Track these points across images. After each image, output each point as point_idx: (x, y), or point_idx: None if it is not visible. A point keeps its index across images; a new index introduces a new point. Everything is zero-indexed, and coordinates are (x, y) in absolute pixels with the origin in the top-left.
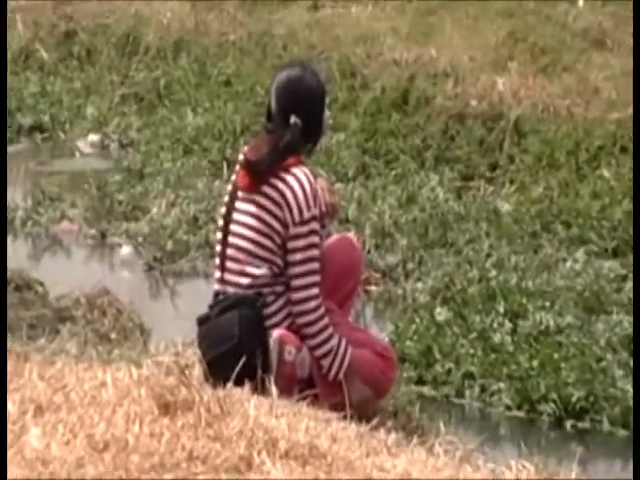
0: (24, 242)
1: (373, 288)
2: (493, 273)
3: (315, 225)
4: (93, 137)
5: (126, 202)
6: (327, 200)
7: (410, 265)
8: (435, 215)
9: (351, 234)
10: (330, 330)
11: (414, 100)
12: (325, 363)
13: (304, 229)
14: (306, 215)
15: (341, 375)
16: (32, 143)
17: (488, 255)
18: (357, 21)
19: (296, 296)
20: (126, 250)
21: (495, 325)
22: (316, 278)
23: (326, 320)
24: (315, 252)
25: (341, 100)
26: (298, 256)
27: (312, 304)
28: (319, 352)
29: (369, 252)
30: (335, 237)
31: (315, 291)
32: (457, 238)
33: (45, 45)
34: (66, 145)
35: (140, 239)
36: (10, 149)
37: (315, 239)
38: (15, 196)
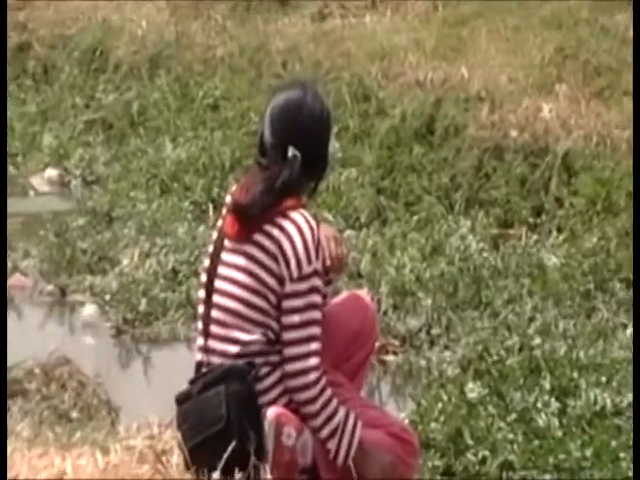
0: None
1: (391, 358)
2: (537, 341)
3: (317, 281)
4: (51, 172)
5: (91, 252)
6: (333, 251)
7: (436, 330)
8: (466, 269)
9: (363, 292)
10: (334, 404)
11: (441, 130)
12: (331, 445)
13: (303, 286)
14: (306, 270)
15: (350, 457)
16: None
17: (531, 319)
18: (372, 33)
19: (291, 368)
20: (90, 310)
21: (539, 405)
22: (316, 346)
23: (328, 394)
24: (316, 314)
25: (353, 129)
26: (295, 318)
27: (311, 377)
28: (323, 434)
29: (385, 314)
30: (344, 295)
31: (314, 361)
32: (493, 298)
33: None
34: (18, 182)
35: (107, 297)
36: None
37: (316, 298)
38: None
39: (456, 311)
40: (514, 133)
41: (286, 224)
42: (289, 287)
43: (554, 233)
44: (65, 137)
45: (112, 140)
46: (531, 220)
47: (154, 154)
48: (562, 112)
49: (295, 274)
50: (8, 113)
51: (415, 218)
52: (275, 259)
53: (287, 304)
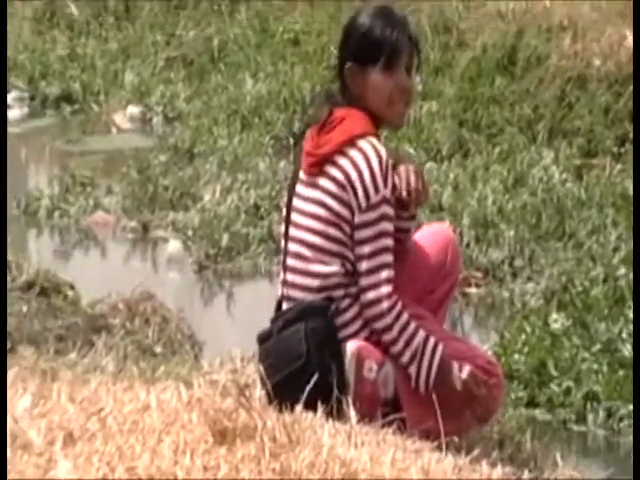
0: (50, 237)
1: (473, 290)
2: (622, 271)
3: (386, 209)
4: (133, 109)
5: (173, 188)
6: (413, 184)
7: (518, 262)
8: (549, 200)
9: (446, 224)
10: (411, 329)
11: (523, 60)
12: (412, 370)
13: (372, 215)
14: (374, 198)
15: (431, 381)
16: (60, 117)
17: (615, 249)
18: None
19: (365, 298)
20: (173, 246)
21: (624, 335)
22: (388, 273)
23: (404, 319)
24: (386, 242)
25: (433, 61)
26: (366, 249)
27: (384, 305)
28: (403, 359)
29: (468, 246)
30: (426, 229)
31: (386, 290)
32: (577, 228)
33: None
34: (100, 119)
35: (190, 232)
36: (34, 124)
37: (386, 226)
38: (39, 182)
39: (539, 242)
40: (597, 62)
41: (353, 153)
42: (358, 217)
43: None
44: (146, 74)
45: (193, 76)
46: (615, 149)
47: (234, 90)
48: None
49: (363, 204)
50: (90, 51)
51: (497, 150)
52: (344, 189)
53: (358, 235)
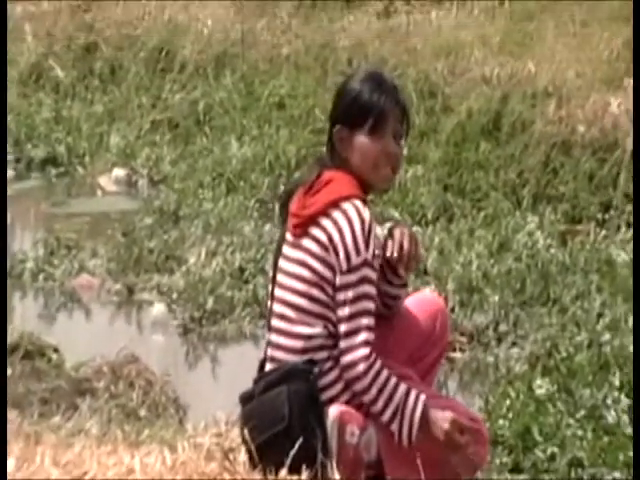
0: (35, 300)
1: (458, 355)
2: (606, 337)
3: (367, 272)
4: (118, 172)
5: (158, 251)
6: (406, 247)
7: (503, 327)
8: (534, 265)
9: (433, 292)
10: (390, 386)
11: (508, 126)
12: (394, 427)
13: (352, 277)
14: (355, 260)
15: (414, 435)
16: (45, 179)
17: (600, 315)
18: (438, 30)
19: (343, 360)
20: (158, 309)
21: (609, 401)
22: (367, 336)
23: (382, 377)
24: (366, 304)
25: (419, 126)
26: (346, 311)
27: (360, 368)
28: (384, 418)
29: (452, 310)
30: (416, 296)
31: (363, 352)
32: (561, 294)
33: (61, 61)
34: (86, 182)
35: (174, 295)
36: (20, 186)
37: (367, 289)
38: (24, 244)
39: (524, 307)
40: (582, 128)
41: (336, 215)
42: (339, 279)
43: (623, 229)
44: (132, 137)
45: (178, 139)
46: (599, 216)
47: (220, 153)
48: (631, 106)
49: (344, 266)
50: (75, 114)
51: (482, 214)
52: (326, 250)
53: (338, 297)
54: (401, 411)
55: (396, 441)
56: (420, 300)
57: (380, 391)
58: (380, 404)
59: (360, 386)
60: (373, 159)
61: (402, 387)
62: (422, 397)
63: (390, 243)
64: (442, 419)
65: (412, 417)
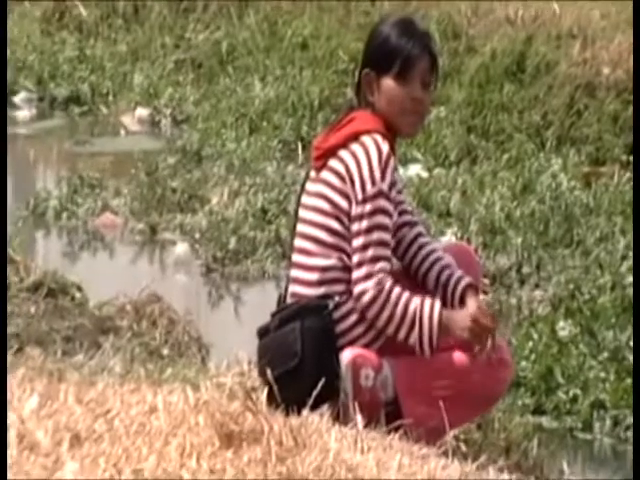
0: (58, 238)
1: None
2: (629, 279)
3: (382, 202)
4: (141, 112)
5: (181, 190)
6: (481, 322)
7: (526, 269)
8: (557, 208)
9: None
10: (403, 301)
11: (532, 67)
12: (414, 339)
13: (367, 208)
14: (370, 191)
15: (435, 340)
16: (68, 118)
17: (623, 257)
18: None
19: (355, 290)
20: (181, 248)
21: (632, 343)
22: (380, 266)
23: (394, 295)
24: (381, 235)
25: (442, 67)
26: (360, 241)
27: (370, 293)
28: (403, 333)
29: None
30: (450, 247)
31: (374, 280)
32: (585, 236)
33: (84, 0)
34: (109, 121)
35: (197, 235)
36: (43, 125)
37: (381, 219)
38: (47, 183)
39: (547, 249)
40: (606, 70)
41: (355, 147)
42: (354, 209)
43: None
44: (155, 76)
45: (201, 79)
46: (623, 157)
47: (243, 93)
48: None
49: (359, 196)
50: (99, 53)
51: (505, 156)
52: (343, 180)
53: (353, 227)
54: (419, 320)
55: (418, 352)
56: (456, 251)
57: (395, 306)
58: (396, 320)
59: (371, 314)
60: (399, 104)
61: (416, 299)
62: (438, 303)
63: (468, 321)
64: (462, 319)
65: (431, 323)
